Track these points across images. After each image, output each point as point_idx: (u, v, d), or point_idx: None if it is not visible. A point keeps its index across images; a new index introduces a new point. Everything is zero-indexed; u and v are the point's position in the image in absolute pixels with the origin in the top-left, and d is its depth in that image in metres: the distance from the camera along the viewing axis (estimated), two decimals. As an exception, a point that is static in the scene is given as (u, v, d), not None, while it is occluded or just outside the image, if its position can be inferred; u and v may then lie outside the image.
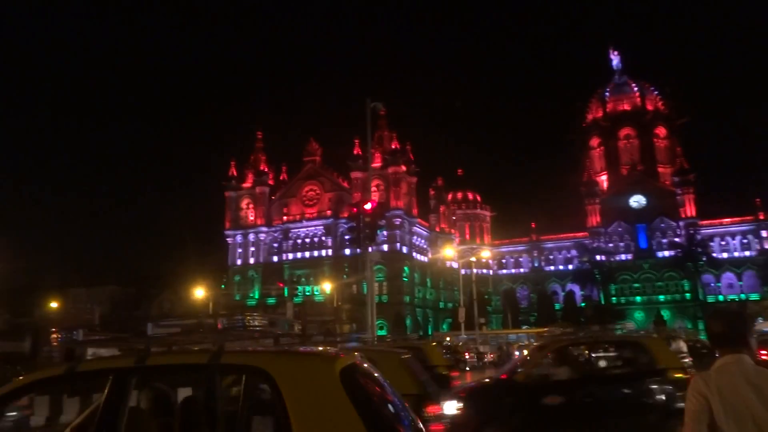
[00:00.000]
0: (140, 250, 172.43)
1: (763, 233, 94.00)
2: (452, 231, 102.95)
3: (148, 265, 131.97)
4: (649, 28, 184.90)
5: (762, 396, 2.51)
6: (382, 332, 74.40)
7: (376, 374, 3.71)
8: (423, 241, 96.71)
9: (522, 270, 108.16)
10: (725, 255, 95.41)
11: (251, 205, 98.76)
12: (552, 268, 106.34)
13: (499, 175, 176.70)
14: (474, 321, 53.41)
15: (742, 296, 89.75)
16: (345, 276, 78.12)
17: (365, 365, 3.70)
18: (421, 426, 3.66)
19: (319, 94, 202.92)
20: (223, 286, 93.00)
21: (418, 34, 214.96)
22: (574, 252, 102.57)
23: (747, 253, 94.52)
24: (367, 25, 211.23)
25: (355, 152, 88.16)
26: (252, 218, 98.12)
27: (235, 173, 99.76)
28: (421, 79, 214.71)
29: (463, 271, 77.02)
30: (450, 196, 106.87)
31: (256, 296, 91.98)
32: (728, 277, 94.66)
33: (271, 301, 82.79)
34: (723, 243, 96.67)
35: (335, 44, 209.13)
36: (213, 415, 2.87)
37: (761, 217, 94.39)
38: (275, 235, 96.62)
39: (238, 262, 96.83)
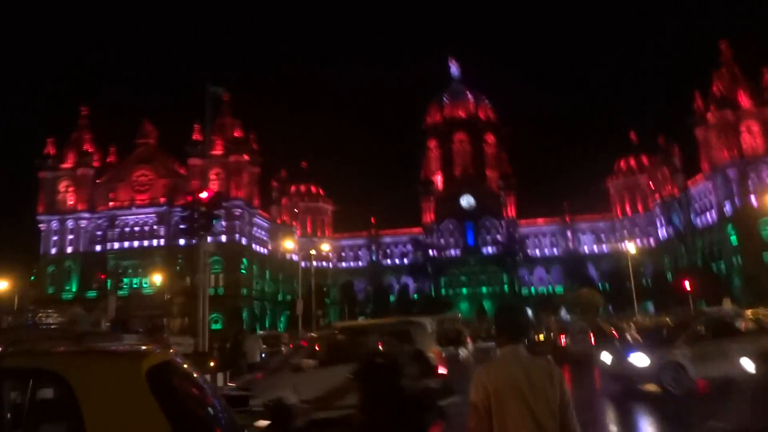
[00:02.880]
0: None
1: (569, 234, 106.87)
2: (294, 223, 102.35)
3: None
4: (489, 41, 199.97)
5: (529, 377, 2.97)
6: (217, 326, 71.72)
7: (194, 374, 3.51)
8: (263, 232, 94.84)
9: (360, 263, 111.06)
10: (538, 252, 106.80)
11: (71, 189, 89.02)
12: (389, 261, 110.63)
13: (342, 170, 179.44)
14: (311, 313, 53.64)
15: (550, 288, 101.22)
16: (178, 268, 73.77)
17: (181, 364, 3.48)
18: (241, 428, 3.55)
19: (158, 75, 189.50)
20: (33, 278, 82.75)
21: (274, 29, 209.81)
22: (409, 247, 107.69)
23: (555, 251, 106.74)
24: (220, 8, 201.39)
25: (194, 138, 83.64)
26: (72, 203, 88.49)
27: (52, 152, 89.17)
28: (270, 71, 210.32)
29: (303, 264, 77.00)
30: (293, 189, 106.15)
31: (74, 289, 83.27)
32: (539, 271, 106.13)
33: (92, 294, 75.38)
34: (536, 241, 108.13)
35: (179, 22, 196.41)
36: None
37: (567, 220, 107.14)
38: (99, 222, 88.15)
39: (53, 251, 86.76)
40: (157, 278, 72.41)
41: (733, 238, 77.30)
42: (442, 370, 11.39)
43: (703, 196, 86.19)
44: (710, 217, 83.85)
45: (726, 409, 10.62)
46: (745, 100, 79.35)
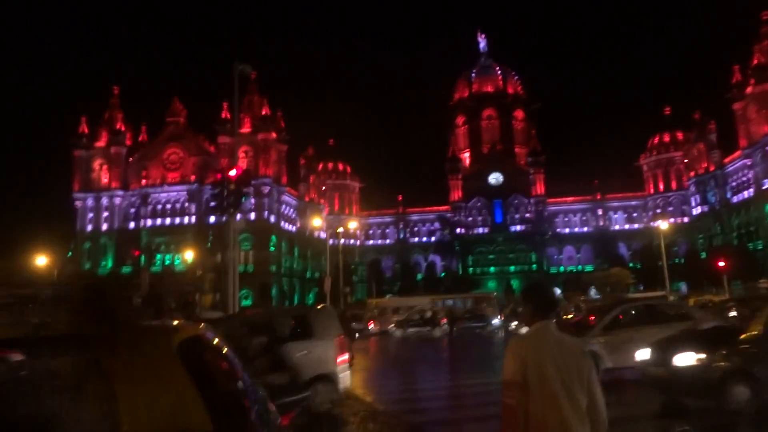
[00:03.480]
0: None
1: (599, 212, 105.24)
2: (321, 201, 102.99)
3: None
4: (518, 16, 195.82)
5: (562, 352, 3.09)
6: (247, 302, 73.12)
7: (224, 349, 3.57)
8: (292, 210, 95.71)
9: (388, 241, 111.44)
10: (567, 230, 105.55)
11: (105, 167, 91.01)
12: (416, 239, 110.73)
13: (369, 148, 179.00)
14: (339, 291, 54.25)
15: (579, 267, 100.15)
16: (209, 245, 75.14)
17: (212, 338, 3.54)
18: (272, 405, 3.60)
19: (187, 54, 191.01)
20: (70, 253, 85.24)
21: (301, 6, 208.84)
22: (437, 225, 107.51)
23: (585, 229, 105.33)
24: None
25: (222, 116, 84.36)
26: (106, 181, 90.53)
27: (86, 131, 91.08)
28: (297, 49, 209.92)
29: (330, 242, 77.68)
30: (320, 166, 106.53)
31: (109, 265, 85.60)
32: (569, 250, 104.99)
33: (127, 270, 77.42)
34: (566, 219, 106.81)
35: (207, 3, 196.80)
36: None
37: (598, 198, 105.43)
38: (132, 199, 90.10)
39: (89, 228, 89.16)
40: (189, 255, 73.87)
41: (772, 217, 75.11)
42: (342, 358, 10.74)
43: (741, 173, 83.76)
44: (747, 194, 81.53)
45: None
46: (787, 73, 76.30)
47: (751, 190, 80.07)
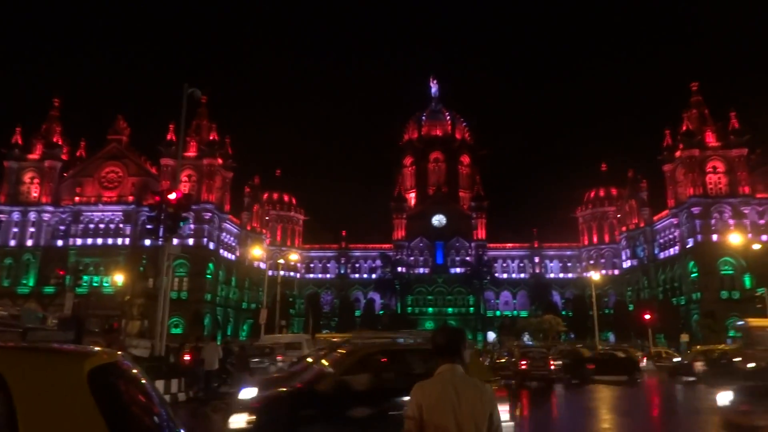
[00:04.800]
0: None
1: (536, 259, 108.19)
2: (264, 231, 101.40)
3: None
4: (470, 66, 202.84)
5: (459, 395, 3.18)
6: (177, 330, 70.31)
7: (142, 379, 3.37)
8: (232, 238, 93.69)
9: (328, 275, 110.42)
10: (505, 275, 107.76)
11: (36, 180, 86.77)
12: (357, 275, 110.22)
13: (316, 181, 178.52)
14: (275, 323, 53.01)
15: (515, 312, 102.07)
16: (142, 268, 72.15)
17: (129, 367, 3.35)
18: None
19: (138, 73, 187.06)
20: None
21: (257, 38, 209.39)
22: (378, 262, 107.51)
23: (522, 275, 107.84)
24: (204, 12, 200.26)
25: (168, 138, 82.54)
26: (36, 195, 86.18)
27: (20, 141, 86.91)
28: (252, 79, 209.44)
29: (270, 273, 76.19)
30: (266, 196, 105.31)
31: (31, 284, 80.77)
32: (505, 295, 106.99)
33: (49, 290, 73.14)
34: (504, 265, 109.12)
35: (162, 23, 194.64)
36: None
37: (536, 245, 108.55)
38: (63, 216, 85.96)
39: (12, 242, 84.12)
40: (119, 278, 70.74)
41: (694, 275, 79.29)
42: None
43: (668, 231, 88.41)
44: (673, 251, 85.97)
45: None
46: (711, 141, 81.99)
47: (677, 247, 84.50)
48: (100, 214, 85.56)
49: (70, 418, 2.40)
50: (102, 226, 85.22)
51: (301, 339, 34.26)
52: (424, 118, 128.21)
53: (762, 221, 78.12)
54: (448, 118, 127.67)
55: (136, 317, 45.59)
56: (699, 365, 26.61)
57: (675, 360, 37.38)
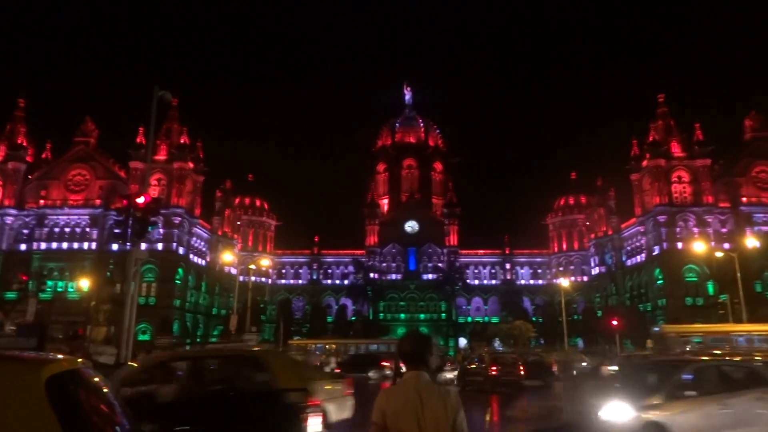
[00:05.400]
0: None
1: (507, 266, 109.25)
2: (235, 236, 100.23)
3: None
4: (444, 74, 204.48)
5: (424, 402, 3.23)
6: (145, 337, 68.95)
7: (104, 387, 3.30)
8: (203, 243, 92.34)
9: (300, 281, 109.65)
10: (476, 282, 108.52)
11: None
12: (329, 281, 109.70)
13: (288, 187, 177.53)
14: (246, 329, 52.37)
15: (486, 318, 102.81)
16: (109, 274, 70.58)
17: (91, 375, 3.27)
18: None
19: (107, 75, 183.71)
20: (-54, 273, 77.23)
21: (231, 42, 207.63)
22: (351, 268, 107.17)
23: (494, 282, 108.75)
24: (178, 15, 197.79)
25: (137, 140, 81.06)
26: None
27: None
28: (225, 83, 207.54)
29: (241, 278, 75.30)
30: (237, 201, 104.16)
31: (-8, 289, 78.18)
32: (477, 301, 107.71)
33: (11, 295, 70.93)
34: (476, 271, 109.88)
35: (131, 23, 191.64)
36: None
37: (507, 252, 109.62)
38: (27, 219, 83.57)
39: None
40: (85, 283, 68.98)
41: (660, 281, 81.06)
42: None
43: (635, 239, 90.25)
44: (640, 258, 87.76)
45: None
46: (677, 151, 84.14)
47: (644, 255, 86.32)
48: (65, 217, 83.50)
49: (26, 426, 2.33)
50: (68, 230, 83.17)
51: None
52: (397, 124, 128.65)
53: (724, 230, 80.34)
54: (422, 125, 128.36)
55: (102, 323, 44.64)
56: (606, 370, 26.67)
57: (583, 365, 36.58)
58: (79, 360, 3.22)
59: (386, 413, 3.23)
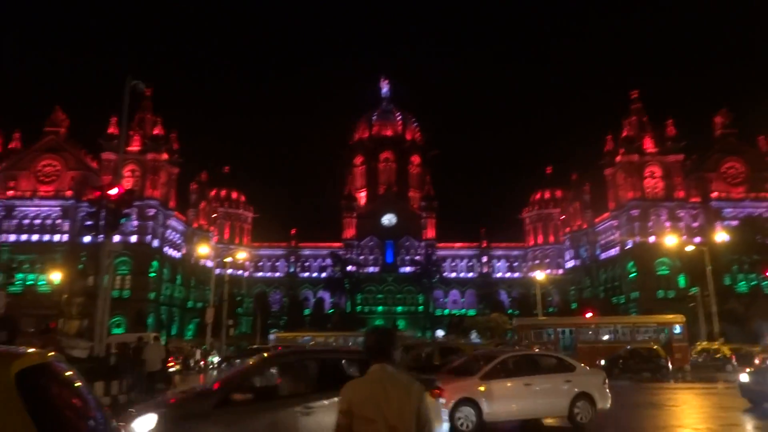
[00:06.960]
0: None
1: (484, 259, 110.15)
2: (211, 228, 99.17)
3: None
4: (421, 67, 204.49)
5: (388, 392, 3.36)
6: (119, 330, 67.92)
7: (76, 381, 3.22)
8: (178, 235, 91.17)
9: (278, 274, 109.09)
10: (453, 275, 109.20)
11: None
12: (307, 274, 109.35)
13: (265, 179, 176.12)
14: (222, 323, 51.94)
15: (463, 311, 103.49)
16: (81, 266, 69.25)
17: (64, 369, 3.19)
18: None
19: (78, 64, 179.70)
20: None
21: (209, 32, 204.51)
22: (328, 261, 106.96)
23: (470, 275, 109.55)
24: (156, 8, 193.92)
25: (109, 131, 79.52)
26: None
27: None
28: (200, 74, 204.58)
29: (217, 271, 74.51)
30: (213, 193, 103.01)
31: (-42, 282, 76.17)
32: (454, 294, 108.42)
33: (-21, 288, 69.22)
34: (453, 264, 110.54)
35: (104, 12, 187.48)
36: None
37: (484, 245, 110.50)
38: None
39: (-62, 238, 79.20)
40: (56, 276, 67.65)
41: (633, 275, 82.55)
42: None
43: (609, 233, 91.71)
44: (614, 252, 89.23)
45: None
46: (650, 147, 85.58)
47: (617, 248, 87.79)
48: (35, 209, 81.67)
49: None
50: (38, 221, 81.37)
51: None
52: (374, 118, 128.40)
53: (695, 224, 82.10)
54: (399, 118, 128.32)
55: (74, 317, 43.69)
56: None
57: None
58: (51, 354, 3.14)
59: (352, 402, 3.36)
